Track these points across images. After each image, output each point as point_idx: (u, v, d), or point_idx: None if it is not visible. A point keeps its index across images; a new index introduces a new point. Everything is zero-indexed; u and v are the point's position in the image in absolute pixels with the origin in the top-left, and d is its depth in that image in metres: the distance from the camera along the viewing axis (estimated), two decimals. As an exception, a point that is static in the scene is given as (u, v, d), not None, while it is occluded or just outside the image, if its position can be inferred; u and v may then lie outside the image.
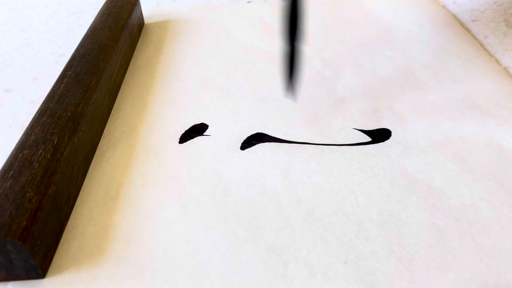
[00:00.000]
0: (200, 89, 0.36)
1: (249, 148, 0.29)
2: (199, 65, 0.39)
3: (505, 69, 0.36)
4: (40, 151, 0.25)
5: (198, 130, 0.31)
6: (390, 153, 0.28)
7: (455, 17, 0.45)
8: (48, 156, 0.24)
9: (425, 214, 0.24)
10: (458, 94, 0.33)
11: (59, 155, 0.25)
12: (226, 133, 0.31)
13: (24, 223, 0.21)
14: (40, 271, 0.21)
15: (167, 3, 0.54)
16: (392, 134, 0.30)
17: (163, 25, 0.47)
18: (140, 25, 0.46)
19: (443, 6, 0.47)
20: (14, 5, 0.56)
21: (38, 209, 0.21)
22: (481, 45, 0.40)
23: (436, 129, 0.30)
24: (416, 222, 0.23)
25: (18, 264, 0.21)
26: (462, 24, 0.44)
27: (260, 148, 0.29)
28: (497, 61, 0.37)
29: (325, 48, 0.41)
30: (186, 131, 0.31)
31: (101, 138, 0.31)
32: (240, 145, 0.30)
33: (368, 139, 0.29)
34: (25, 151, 0.25)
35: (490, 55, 0.38)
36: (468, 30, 0.43)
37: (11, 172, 0.23)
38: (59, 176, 0.24)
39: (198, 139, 0.30)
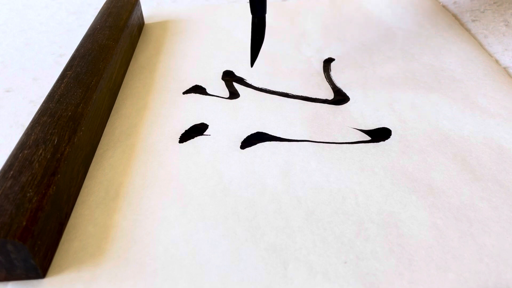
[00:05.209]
0: (200, 89, 0.36)
1: (249, 148, 0.29)
2: (199, 65, 0.39)
3: (505, 69, 0.36)
4: (40, 151, 0.25)
5: (198, 130, 0.31)
6: (390, 152, 0.28)
7: (455, 17, 0.45)
8: (48, 156, 0.24)
9: (425, 214, 0.24)
10: (458, 94, 0.33)
11: (59, 155, 0.25)
12: (226, 132, 0.31)
13: (24, 223, 0.21)
14: (40, 271, 0.21)
15: (167, 3, 0.54)
16: (392, 133, 0.30)
17: (163, 25, 0.47)
18: (140, 25, 0.46)
19: (443, 6, 0.47)
20: (14, 5, 0.56)
21: (38, 209, 0.21)
22: (481, 45, 0.40)
23: (436, 129, 0.30)
24: (416, 222, 0.23)
25: (18, 264, 0.21)
26: (462, 24, 0.44)
27: (260, 147, 0.29)
28: (497, 61, 0.37)
29: (325, 48, 0.41)
30: (186, 131, 0.31)
31: (101, 138, 0.31)
32: (240, 144, 0.30)
33: (368, 138, 0.29)
34: (25, 151, 0.25)
35: (490, 55, 0.38)
36: (468, 30, 0.43)
37: (11, 172, 0.23)
38: (59, 176, 0.24)
39: (198, 139, 0.30)
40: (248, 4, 0.51)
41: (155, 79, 0.37)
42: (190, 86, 0.36)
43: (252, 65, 0.36)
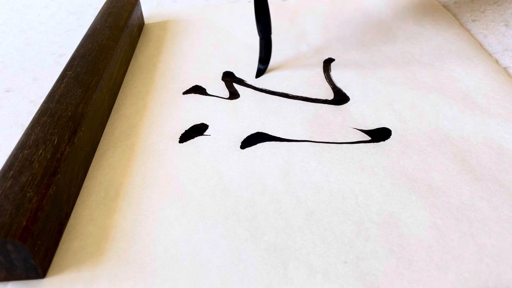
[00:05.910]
0: (200, 89, 0.36)
1: (249, 148, 0.29)
2: (199, 65, 0.39)
3: (505, 69, 0.36)
4: (40, 151, 0.25)
5: (198, 130, 0.31)
6: (391, 152, 0.28)
7: (455, 17, 0.45)
8: (48, 156, 0.24)
9: (425, 214, 0.24)
10: (458, 94, 0.33)
11: (59, 155, 0.25)
12: (226, 132, 0.31)
13: (24, 223, 0.21)
14: (40, 271, 0.21)
15: (167, 3, 0.54)
16: (392, 133, 0.30)
17: (163, 25, 0.47)
18: (140, 25, 0.46)
19: (443, 6, 0.47)
20: (14, 5, 0.56)
21: (38, 209, 0.21)
22: (481, 45, 0.40)
23: (436, 129, 0.30)
24: (416, 222, 0.23)
25: (18, 264, 0.21)
26: (462, 24, 0.44)
27: (260, 147, 0.29)
28: (496, 61, 0.37)
29: (325, 48, 0.41)
30: (186, 131, 0.31)
31: (101, 138, 0.31)
32: (240, 144, 0.30)
33: (368, 138, 0.29)
34: (25, 151, 0.25)
35: (490, 55, 0.38)
36: (468, 30, 0.43)
37: (11, 172, 0.23)
38: (59, 176, 0.24)
39: (198, 139, 0.30)
40: (248, 4, 0.51)
41: (155, 79, 0.37)
42: (190, 86, 0.36)
43: (256, 77, 0.37)
